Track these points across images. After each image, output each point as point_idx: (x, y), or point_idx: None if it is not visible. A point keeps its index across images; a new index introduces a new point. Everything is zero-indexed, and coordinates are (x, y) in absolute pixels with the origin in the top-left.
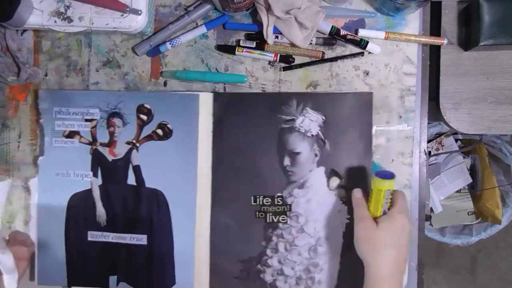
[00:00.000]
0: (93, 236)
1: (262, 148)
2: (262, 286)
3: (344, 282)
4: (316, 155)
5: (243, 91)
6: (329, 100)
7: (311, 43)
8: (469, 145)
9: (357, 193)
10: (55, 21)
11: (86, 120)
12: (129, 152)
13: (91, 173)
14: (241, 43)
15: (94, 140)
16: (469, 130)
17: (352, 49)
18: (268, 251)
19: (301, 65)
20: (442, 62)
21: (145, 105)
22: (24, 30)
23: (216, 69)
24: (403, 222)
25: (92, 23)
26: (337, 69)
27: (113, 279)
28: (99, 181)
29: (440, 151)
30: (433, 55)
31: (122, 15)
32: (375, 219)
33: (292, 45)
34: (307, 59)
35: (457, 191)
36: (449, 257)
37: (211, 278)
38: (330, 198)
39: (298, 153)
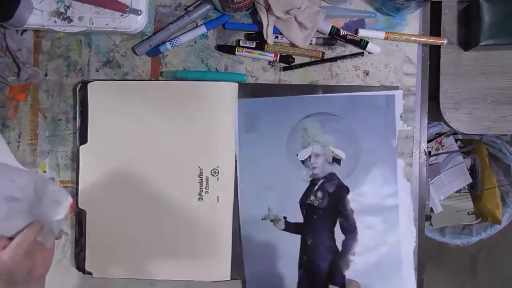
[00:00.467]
0: None
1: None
2: None
3: None
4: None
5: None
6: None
7: (311, 43)
8: (469, 145)
9: None
10: (55, 21)
11: None
12: None
13: None
14: (241, 43)
15: None
16: (469, 130)
17: (352, 49)
18: None
19: (301, 65)
20: (442, 62)
21: None
22: (24, 30)
23: (216, 69)
24: None
25: (92, 23)
26: (337, 69)
27: None
28: None
29: (440, 151)
30: (433, 55)
31: (122, 15)
32: None
33: (292, 45)
34: (307, 59)
35: (457, 191)
36: (449, 257)
37: None
38: None
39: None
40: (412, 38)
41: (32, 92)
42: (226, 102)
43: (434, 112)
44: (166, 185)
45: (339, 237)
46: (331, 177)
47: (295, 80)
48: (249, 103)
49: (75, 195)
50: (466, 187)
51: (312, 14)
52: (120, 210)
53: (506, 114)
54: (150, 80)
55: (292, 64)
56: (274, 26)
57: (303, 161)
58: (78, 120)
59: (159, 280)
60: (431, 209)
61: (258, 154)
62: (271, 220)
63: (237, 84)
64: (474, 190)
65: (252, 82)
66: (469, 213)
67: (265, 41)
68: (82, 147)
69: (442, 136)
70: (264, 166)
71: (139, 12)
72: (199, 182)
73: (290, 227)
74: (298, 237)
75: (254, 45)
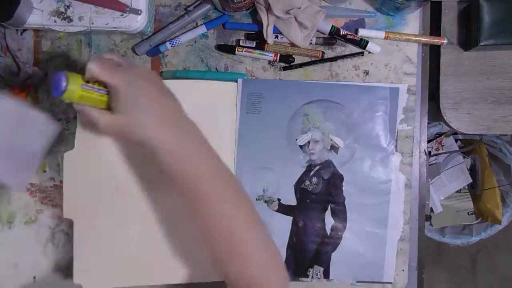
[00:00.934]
0: None
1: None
2: None
3: None
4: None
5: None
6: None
7: (311, 43)
8: (469, 145)
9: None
10: (55, 21)
11: None
12: None
13: None
14: (241, 43)
15: None
16: (469, 130)
17: (352, 48)
18: None
19: (301, 65)
20: (442, 62)
21: None
22: (24, 30)
23: (216, 68)
24: (126, 82)
25: (92, 23)
26: (337, 68)
27: None
28: None
29: (440, 151)
30: (433, 55)
31: (122, 15)
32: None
33: (292, 44)
34: (307, 59)
35: (457, 191)
36: (449, 257)
37: None
38: None
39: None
40: (412, 37)
41: (32, 92)
42: (226, 101)
43: (434, 112)
44: (165, 185)
45: (329, 221)
46: (328, 164)
47: (295, 80)
48: (253, 83)
49: None
50: (466, 187)
51: (312, 14)
52: (111, 215)
53: (506, 114)
54: None
55: (292, 63)
56: (274, 26)
57: (301, 146)
58: (78, 120)
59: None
60: (431, 209)
61: (257, 135)
62: (265, 201)
63: (236, 84)
64: (474, 190)
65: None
66: (469, 213)
67: (265, 41)
68: (66, 154)
69: (442, 136)
70: (263, 147)
71: (139, 12)
72: None
73: (283, 209)
74: (289, 219)
75: (254, 44)
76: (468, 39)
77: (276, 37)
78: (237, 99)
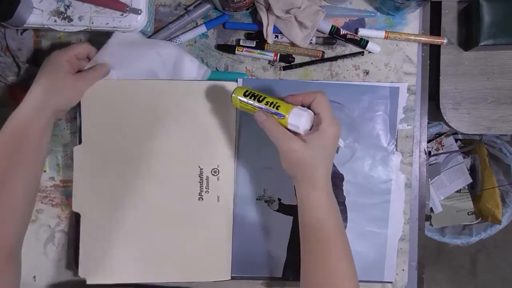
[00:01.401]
0: None
1: None
2: None
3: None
4: None
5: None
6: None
7: (311, 43)
8: (469, 145)
9: (259, 116)
10: (55, 21)
11: None
12: None
13: None
14: (241, 43)
15: None
16: (469, 130)
17: (352, 48)
18: None
19: (301, 65)
20: (442, 62)
21: None
22: (24, 30)
23: (216, 68)
24: (333, 133)
25: (92, 23)
26: (337, 68)
27: None
28: None
29: (440, 151)
30: (433, 55)
31: (122, 15)
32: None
33: (292, 44)
34: (307, 59)
35: (457, 191)
36: (449, 257)
37: None
38: None
39: None
40: (412, 37)
41: None
42: (226, 101)
43: (434, 112)
44: (165, 185)
45: None
46: None
47: (295, 80)
48: (253, 83)
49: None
50: (466, 187)
51: (312, 14)
52: (116, 213)
53: (506, 114)
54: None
55: (292, 63)
56: (274, 26)
57: None
58: (78, 120)
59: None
60: (431, 209)
61: (258, 134)
62: (266, 201)
63: (236, 83)
64: (474, 190)
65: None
66: (469, 213)
67: (265, 41)
68: (76, 148)
69: (442, 136)
70: (263, 147)
71: (139, 12)
72: (199, 182)
73: (284, 209)
74: (290, 219)
75: (254, 44)
76: (468, 39)
77: (276, 36)
78: (234, 120)
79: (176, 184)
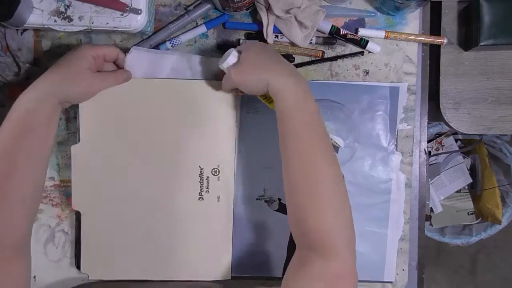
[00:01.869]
0: None
1: None
2: None
3: None
4: None
5: None
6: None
7: (311, 43)
8: (469, 145)
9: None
10: (55, 21)
11: None
12: None
13: None
14: (241, 42)
15: None
16: (469, 130)
17: (352, 48)
18: None
19: (301, 64)
20: (442, 62)
21: None
22: (24, 30)
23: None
24: (248, 47)
25: (92, 23)
26: (337, 68)
27: None
28: None
29: (440, 151)
30: (433, 55)
31: (122, 15)
32: None
33: (292, 44)
34: (307, 59)
35: (457, 191)
36: (449, 257)
37: None
38: None
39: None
40: (412, 37)
41: None
42: (227, 101)
43: (434, 112)
44: (166, 185)
45: None
46: None
47: None
48: None
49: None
50: (466, 187)
51: (312, 13)
52: (116, 210)
53: (506, 114)
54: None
55: (292, 63)
56: (274, 26)
57: None
58: (78, 120)
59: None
60: (431, 209)
61: (258, 134)
62: (266, 201)
63: None
64: (474, 190)
65: None
66: (469, 213)
67: (265, 41)
68: (73, 147)
69: (442, 136)
70: (263, 147)
71: (139, 12)
72: (200, 182)
73: (284, 208)
74: None
75: None
76: (468, 39)
77: (276, 36)
78: (234, 120)
79: (176, 183)
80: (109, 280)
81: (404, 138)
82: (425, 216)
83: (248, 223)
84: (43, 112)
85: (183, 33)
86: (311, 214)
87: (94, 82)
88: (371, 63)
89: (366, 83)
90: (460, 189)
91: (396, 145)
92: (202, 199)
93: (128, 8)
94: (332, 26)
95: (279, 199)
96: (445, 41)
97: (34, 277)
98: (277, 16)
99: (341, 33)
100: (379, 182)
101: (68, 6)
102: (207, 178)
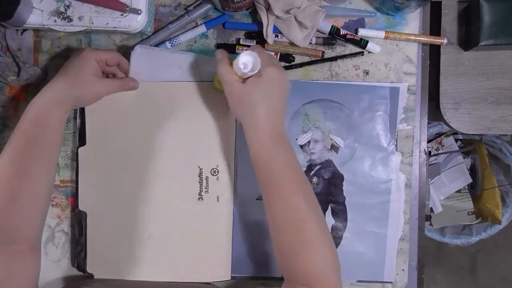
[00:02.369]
0: None
1: None
2: None
3: None
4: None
5: None
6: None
7: (311, 43)
8: (469, 145)
9: (220, 53)
10: (55, 21)
11: None
12: None
13: None
14: (241, 42)
15: None
16: (469, 130)
17: (352, 48)
18: None
19: (301, 65)
20: (442, 62)
21: None
22: (24, 30)
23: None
24: (270, 74)
25: (92, 23)
26: (337, 68)
27: None
28: None
29: (440, 151)
30: (433, 55)
31: (122, 15)
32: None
33: (292, 44)
34: (307, 59)
35: (457, 191)
36: (449, 257)
37: None
38: None
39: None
40: (412, 37)
41: (32, 92)
42: (226, 101)
43: (434, 112)
44: (166, 185)
45: (330, 221)
46: (328, 164)
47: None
48: None
49: (75, 195)
50: (466, 187)
51: (312, 14)
52: (120, 211)
53: (506, 114)
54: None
55: (292, 63)
56: (274, 26)
57: (301, 146)
58: (78, 120)
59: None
60: (431, 209)
61: None
62: None
63: None
64: (474, 190)
65: None
66: (469, 213)
67: (265, 41)
68: (80, 149)
69: (442, 136)
70: None
71: (139, 12)
72: (199, 182)
73: None
74: None
75: (254, 43)
76: (468, 39)
77: (276, 36)
78: (234, 120)
79: (176, 184)
80: (101, 279)
81: (404, 138)
82: (425, 216)
83: (248, 223)
84: (55, 116)
85: (182, 33)
86: (298, 251)
87: (97, 87)
88: (371, 63)
89: (366, 83)
90: (460, 189)
91: (396, 146)
92: (202, 199)
93: (128, 8)
94: (332, 26)
95: None
96: (445, 41)
97: None
98: (277, 16)
99: (341, 33)
100: (379, 182)
101: (68, 6)
102: (207, 178)
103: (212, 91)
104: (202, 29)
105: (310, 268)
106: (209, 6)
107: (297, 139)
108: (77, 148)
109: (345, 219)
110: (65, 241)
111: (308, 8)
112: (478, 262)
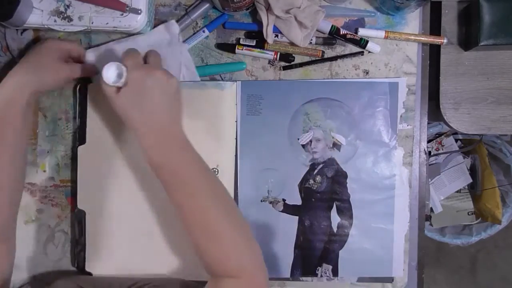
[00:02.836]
0: None
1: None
2: None
3: None
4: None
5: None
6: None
7: (311, 43)
8: (469, 145)
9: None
10: (55, 20)
11: None
12: None
13: None
14: (241, 41)
15: None
16: (469, 130)
17: (352, 48)
18: None
19: (301, 65)
20: (442, 62)
21: None
22: (24, 30)
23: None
24: (135, 78)
25: (92, 23)
26: (337, 68)
27: None
28: None
29: (440, 151)
30: (433, 55)
31: (122, 15)
32: None
33: (292, 44)
34: (307, 58)
35: (457, 191)
36: (449, 257)
37: None
38: None
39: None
40: (412, 37)
41: None
42: (226, 102)
43: (434, 112)
44: None
45: (335, 219)
46: (331, 162)
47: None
48: (252, 85)
49: (75, 195)
50: (466, 187)
51: (312, 13)
52: (120, 210)
53: (506, 114)
54: None
55: (292, 63)
56: (274, 25)
57: (303, 145)
58: (77, 120)
59: None
60: (431, 209)
61: (259, 136)
62: (270, 202)
63: (235, 84)
64: (474, 190)
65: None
66: (469, 213)
67: (265, 40)
68: (80, 148)
69: (442, 136)
70: (265, 149)
71: (139, 12)
72: None
73: (289, 209)
74: (295, 219)
75: (254, 43)
76: (468, 39)
77: (276, 36)
78: (237, 102)
79: None
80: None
81: (404, 138)
82: (425, 216)
83: (254, 224)
84: (19, 102)
85: (186, 39)
86: (210, 245)
87: (62, 70)
88: (371, 63)
89: (365, 80)
90: (460, 189)
91: (397, 141)
92: None
93: (128, 8)
94: (332, 26)
95: (284, 200)
96: (445, 41)
97: (34, 276)
98: (277, 16)
99: (341, 33)
100: (383, 178)
101: (68, 6)
102: None
103: (213, 91)
104: (205, 33)
105: (227, 260)
106: (208, 5)
107: (298, 139)
108: (77, 147)
109: (351, 217)
110: (65, 241)
111: (308, 8)
112: (478, 262)
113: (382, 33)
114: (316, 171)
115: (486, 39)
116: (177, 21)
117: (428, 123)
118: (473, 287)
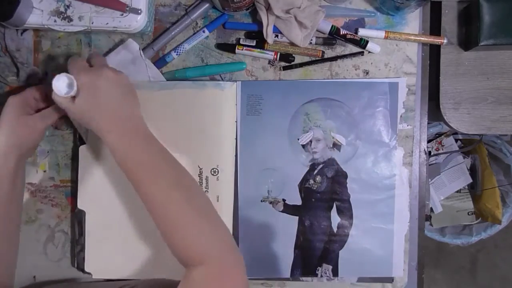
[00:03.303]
0: None
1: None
2: None
3: None
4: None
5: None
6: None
7: (311, 43)
8: (469, 145)
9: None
10: (55, 21)
11: None
12: None
13: None
14: (241, 41)
15: None
16: (469, 130)
17: (352, 48)
18: None
19: (301, 65)
20: (442, 62)
21: None
22: (24, 30)
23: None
24: (84, 83)
25: (92, 23)
26: (337, 68)
27: None
28: None
29: (440, 151)
30: (433, 55)
31: (122, 15)
32: None
33: (292, 44)
34: (307, 58)
35: (457, 191)
36: (449, 257)
37: None
38: None
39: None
40: (412, 37)
41: None
42: (226, 102)
43: (434, 112)
44: None
45: (335, 219)
46: (331, 162)
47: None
48: (252, 85)
49: (75, 195)
50: (466, 187)
51: (312, 14)
52: (120, 210)
53: (506, 114)
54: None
55: (292, 63)
56: (274, 25)
57: (303, 146)
58: None
59: None
60: (431, 209)
61: (259, 136)
62: (270, 202)
63: (235, 85)
64: (474, 190)
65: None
66: (469, 213)
67: (265, 40)
68: (81, 147)
69: (442, 136)
70: (265, 149)
71: (139, 12)
72: (199, 182)
73: (289, 209)
74: (296, 219)
75: (254, 43)
76: (468, 39)
77: (276, 36)
78: (236, 102)
79: None
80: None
81: (404, 138)
82: (425, 216)
83: (254, 225)
84: (5, 171)
85: (186, 40)
86: (173, 234)
87: (37, 125)
88: (371, 63)
89: (365, 80)
90: (460, 189)
91: (397, 141)
92: None
93: (128, 8)
94: (332, 26)
95: (284, 200)
96: (445, 41)
97: (34, 277)
98: (277, 16)
99: (341, 33)
100: (383, 178)
101: (68, 6)
102: (206, 178)
103: (213, 91)
104: (205, 33)
105: (188, 248)
106: (208, 5)
107: (298, 139)
108: (77, 147)
109: (351, 217)
110: (65, 241)
111: (308, 8)
112: (478, 262)
113: (382, 33)
114: (316, 171)
115: (486, 39)
116: (177, 21)
117: (428, 123)
118: (473, 287)
